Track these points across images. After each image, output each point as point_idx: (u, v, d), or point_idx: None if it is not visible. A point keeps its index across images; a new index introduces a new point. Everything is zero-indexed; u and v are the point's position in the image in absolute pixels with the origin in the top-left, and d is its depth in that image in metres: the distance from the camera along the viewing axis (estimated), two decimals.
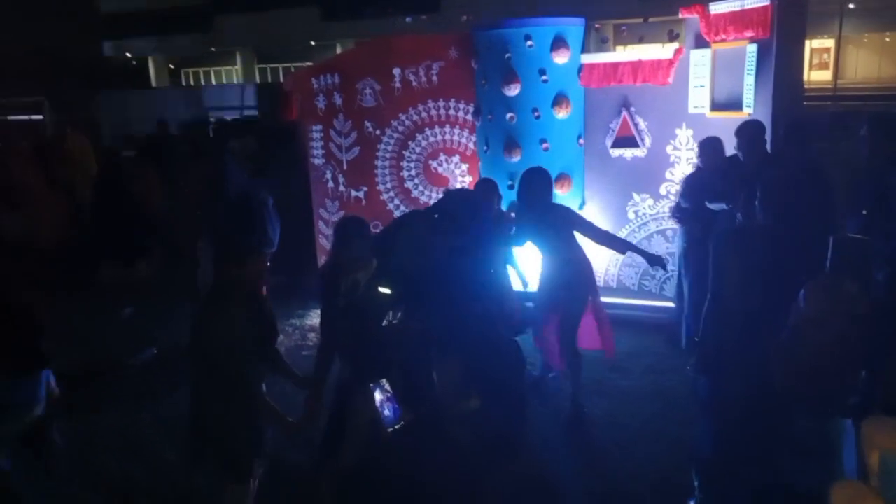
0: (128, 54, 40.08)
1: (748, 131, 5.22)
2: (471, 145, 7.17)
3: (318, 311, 7.14)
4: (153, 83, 41.73)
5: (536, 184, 4.87)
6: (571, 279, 4.92)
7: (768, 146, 5.31)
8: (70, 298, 7.27)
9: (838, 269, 1.93)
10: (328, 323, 3.91)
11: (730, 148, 5.45)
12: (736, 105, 5.85)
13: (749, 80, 5.74)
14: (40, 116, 14.65)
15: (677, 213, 5.87)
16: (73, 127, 10.08)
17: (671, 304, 6.37)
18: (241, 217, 5.75)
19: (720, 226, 5.21)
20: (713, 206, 5.40)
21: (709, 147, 5.56)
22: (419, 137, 7.32)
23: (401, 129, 7.34)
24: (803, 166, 4.67)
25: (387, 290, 3.57)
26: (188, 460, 3.68)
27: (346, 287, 3.70)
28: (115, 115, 15.11)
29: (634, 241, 6.77)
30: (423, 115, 7.24)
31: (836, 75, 30.59)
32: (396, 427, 2.09)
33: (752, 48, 5.70)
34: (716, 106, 6.03)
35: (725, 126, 5.99)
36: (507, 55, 6.35)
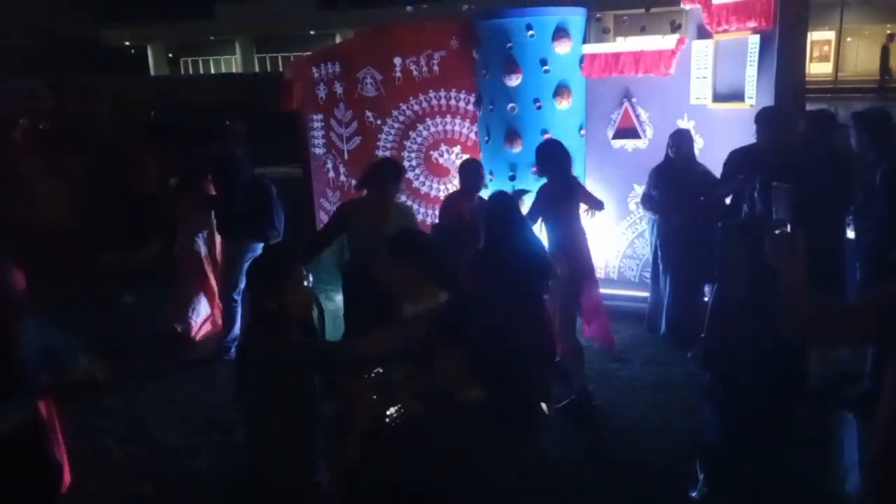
0: (126, 42, 39.96)
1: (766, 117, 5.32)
2: (472, 136, 7.14)
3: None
4: (152, 71, 41.63)
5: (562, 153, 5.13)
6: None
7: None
8: (70, 284, 7.28)
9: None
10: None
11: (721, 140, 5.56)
12: (738, 96, 5.84)
13: (751, 71, 5.73)
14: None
15: (649, 203, 6.10)
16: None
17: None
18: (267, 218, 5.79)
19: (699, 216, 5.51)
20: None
21: (682, 138, 5.84)
22: (420, 128, 7.29)
23: (402, 118, 7.31)
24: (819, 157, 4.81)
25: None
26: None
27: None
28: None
29: (635, 233, 6.80)
30: (424, 105, 7.22)
31: (836, 68, 30.51)
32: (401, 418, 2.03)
33: (754, 39, 5.68)
34: (717, 97, 6.01)
35: (727, 117, 6.00)
36: (509, 45, 6.32)
